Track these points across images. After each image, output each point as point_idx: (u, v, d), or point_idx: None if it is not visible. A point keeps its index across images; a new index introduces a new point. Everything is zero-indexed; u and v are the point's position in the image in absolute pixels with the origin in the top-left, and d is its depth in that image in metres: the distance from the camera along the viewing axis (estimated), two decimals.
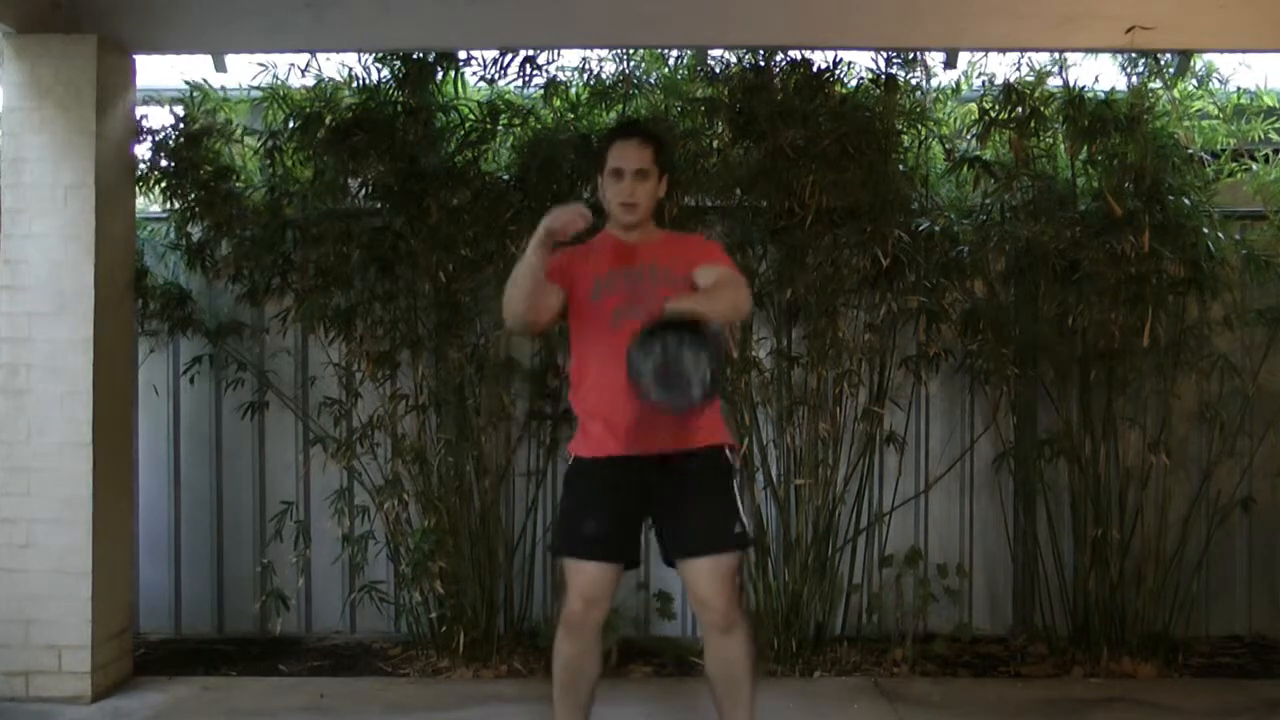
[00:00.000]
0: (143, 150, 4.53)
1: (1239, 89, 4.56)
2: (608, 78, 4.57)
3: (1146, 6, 3.99)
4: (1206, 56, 4.50)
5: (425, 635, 4.67)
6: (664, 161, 3.09)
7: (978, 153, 4.51)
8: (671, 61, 4.64)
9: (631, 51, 4.57)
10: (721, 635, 2.97)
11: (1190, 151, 4.41)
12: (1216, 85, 4.54)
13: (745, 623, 3.04)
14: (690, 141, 4.51)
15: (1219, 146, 4.50)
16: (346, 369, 4.70)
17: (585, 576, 2.97)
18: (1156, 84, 4.47)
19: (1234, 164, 4.52)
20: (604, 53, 4.57)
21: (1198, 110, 4.50)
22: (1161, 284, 4.42)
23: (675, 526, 3.00)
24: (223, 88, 4.71)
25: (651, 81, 4.60)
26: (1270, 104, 4.56)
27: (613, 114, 4.58)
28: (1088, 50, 4.37)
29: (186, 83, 4.63)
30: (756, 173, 4.44)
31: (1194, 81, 4.54)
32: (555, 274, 2.97)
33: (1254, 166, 4.58)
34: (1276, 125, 4.54)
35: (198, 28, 4.24)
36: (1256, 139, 4.55)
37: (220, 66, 4.59)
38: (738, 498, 3.03)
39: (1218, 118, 4.51)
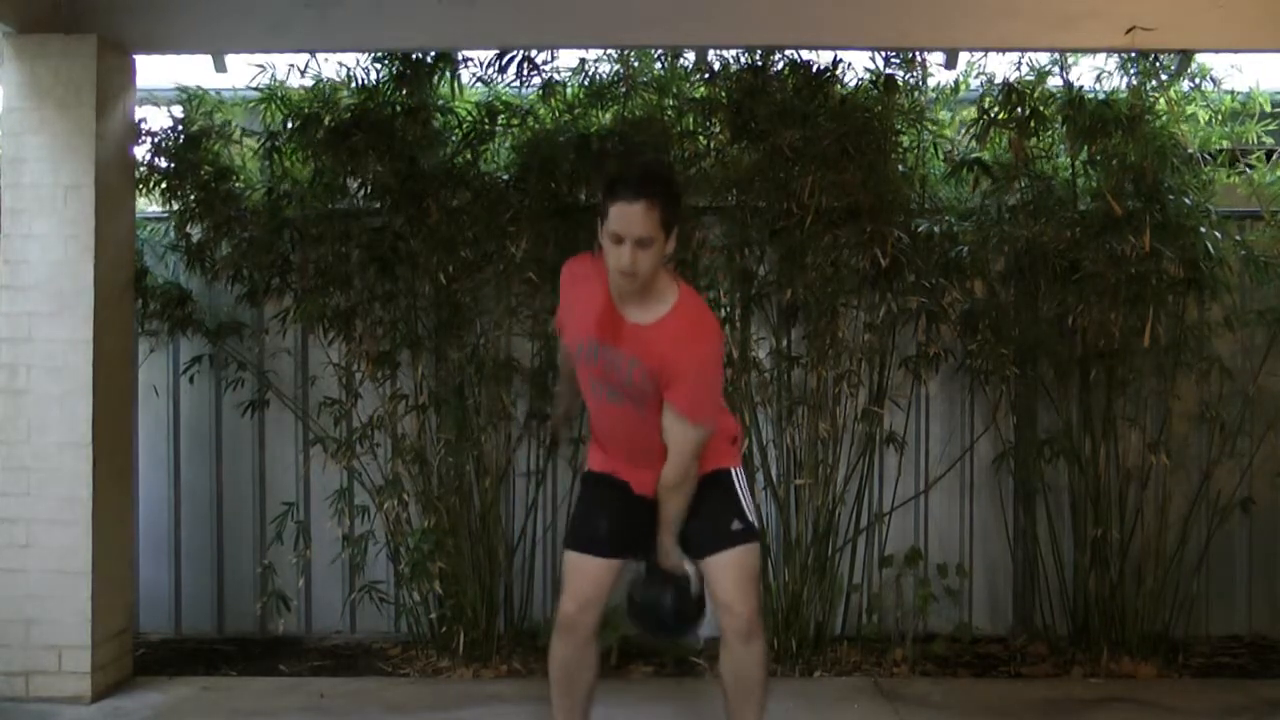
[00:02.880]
0: (142, 152, 4.53)
1: (1231, 91, 4.55)
2: (603, 77, 4.56)
3: (1146, 6, 3.99)
4: (1199, 59, 4.49)
5: (425, 635, 4.67)
6: (672, 219, 2.73)
7: (977, 154, 4.51)
8: (668, 62, 4.63)
9: (628, 52, 4.57)
10: (742, 643, 2.93)
11: (1190, 152, 4.41)
12: (1209, 88, 4.53)
13: (764, 633, 3.02)
14: (688, 141, 4.50)
15: (1214, 148, 4.50)
16: (346, 369, 4.70)
17: (585, 574, 2.99)
18: (1152, 83, 4.47)
19: (1227, 168, 4.52)
20: (598, 53, 4.56)
21: (1191, 114, 4.50)
22: (1161, 284, 4.42)
23: (684, 529, 2.98)
24: (219, 93, 4.72)
25: (646, 80, 4.59)
26: (1263, 106, 4.55)
27: (609, 114, 4.58)
28: (1088, 50, 4.37)
29: (180, 89, 4.63)
30: (755, 173, 4.44)
31: (1187, 85, 4.53)
32: (562, 328, 3.06)
33: (1247, 170, 4.57)
34: (1270, 128, 4.55)
35: (198, 28, 4.23)
36: (1251, 141, 4.55)
37: (220, 67, 4.58)
38: (740, 494, 3.02)
39: (1210, 122, 4.51)
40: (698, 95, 4.58)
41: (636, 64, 4.60)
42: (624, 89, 4.54)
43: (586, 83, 4.58)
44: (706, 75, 4.55)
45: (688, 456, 2.83)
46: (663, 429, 2.82)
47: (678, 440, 2.82)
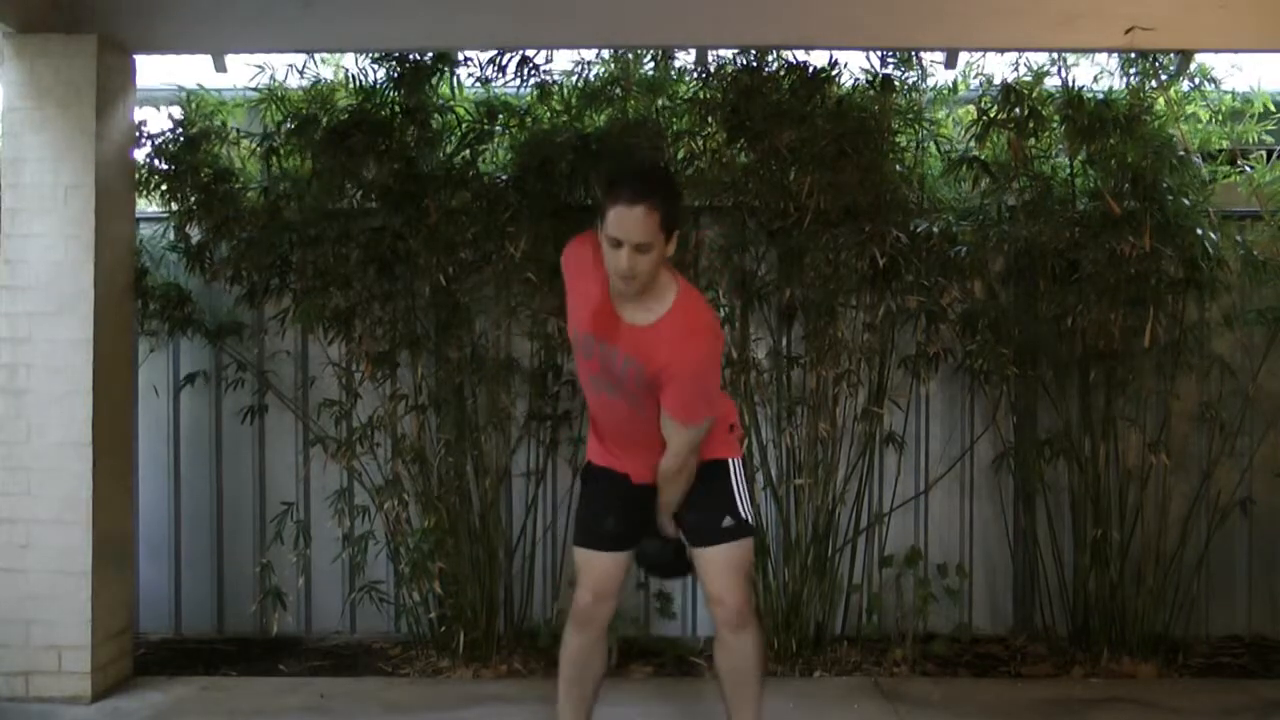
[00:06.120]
0: (141, 154, 4.53)
1: (1232, 91, 4.54)
2: (596, 78, 4.56)
3: (1146, 6, 3.99)
4: (1200, 59, 4.49)
5: (425, 635, 4.67)
6: (671, 222, 2.73)
7: (975, 153, 4.50)
8: (660, 64, 4.62)
9: (624, 53, 4.56)
10: (733, 634, 3.00)
11: (1184, 154, 4.41)
12: (1209, 88, 4.52)
13: (756, 622, 3.07)
14: (686, 140, 4.50)
15: (1215, 148, 4.50)
16: (346, 369, 4.70)
17: (597, 569, 3.07)
18: (1152, 83, 4.47)
19: (1228, 167, 4.51)
20: (591, 55, 4.56)
21: (1191, 113, 4.50)
22: (1161, 284, 4.42)
23: (679, 521, 3.07)
24: (220, 92, 4.72)
25: (639, 81, 4.58)
26: (1266, 105, 4.55)
27: (604, 115, 4.57)
28: (1088, 50, 4.37)
29: (179, 89, 4.63)
30: (752, 173, 4.43)
31: (1187, 84, 4.53)
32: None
33: (1248, 169, 4.56)
34: (1270, 128, 4.54)
35: (198, 28, 4.23)
36: (1251, 141, 4.55)
37: (220, 67, 4.58)
38: (736, 490, 3.05)
39: (1210, 122, 4.51)
40: (694, 96, 4.57)
41: (631, 62, 4.58)
42: (619, 91, 4.54)
43: (581, 84, 4.57)
44: (703, 75, 4.54)
45: (684, 451, 2.93)
46: (661, 424, 2.89)
47: (673, 438, 2.90)
